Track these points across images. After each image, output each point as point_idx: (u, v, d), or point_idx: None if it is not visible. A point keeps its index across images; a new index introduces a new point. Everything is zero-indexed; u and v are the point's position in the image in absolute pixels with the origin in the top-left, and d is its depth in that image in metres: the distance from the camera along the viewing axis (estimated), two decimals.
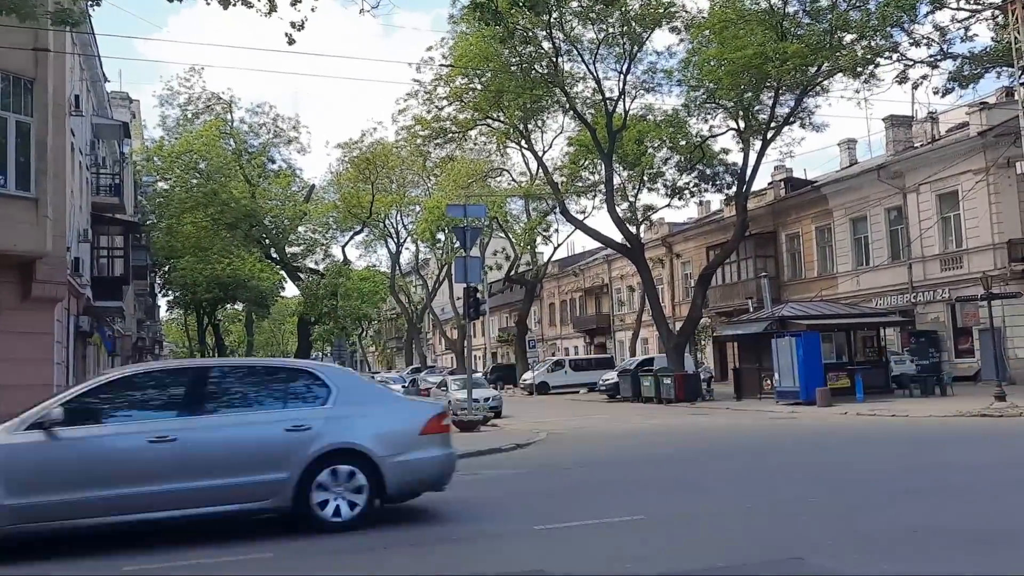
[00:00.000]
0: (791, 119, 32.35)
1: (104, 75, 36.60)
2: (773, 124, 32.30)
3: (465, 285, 21.11)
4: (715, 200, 53.14)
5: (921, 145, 36.09)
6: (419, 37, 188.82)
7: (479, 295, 21.53)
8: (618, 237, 39.89)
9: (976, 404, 21.28)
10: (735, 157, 43.18)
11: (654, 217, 46.79)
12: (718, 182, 41.97)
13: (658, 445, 16.17)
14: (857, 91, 31.58)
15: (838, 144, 46.49)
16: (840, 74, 27.73)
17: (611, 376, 37.48)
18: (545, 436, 17.94)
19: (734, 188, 40.55)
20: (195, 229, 38.62)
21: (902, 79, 24.89)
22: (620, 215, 38.41)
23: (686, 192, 43.53)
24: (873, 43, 24.61)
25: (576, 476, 12.07)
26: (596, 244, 44.43)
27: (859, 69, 25.06)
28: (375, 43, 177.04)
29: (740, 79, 28.02)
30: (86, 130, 33.09)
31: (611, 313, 58.71)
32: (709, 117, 37.39)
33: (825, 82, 30.70)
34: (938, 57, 24.61)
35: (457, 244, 58.78)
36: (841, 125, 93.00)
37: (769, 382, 28.83)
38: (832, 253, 39.44)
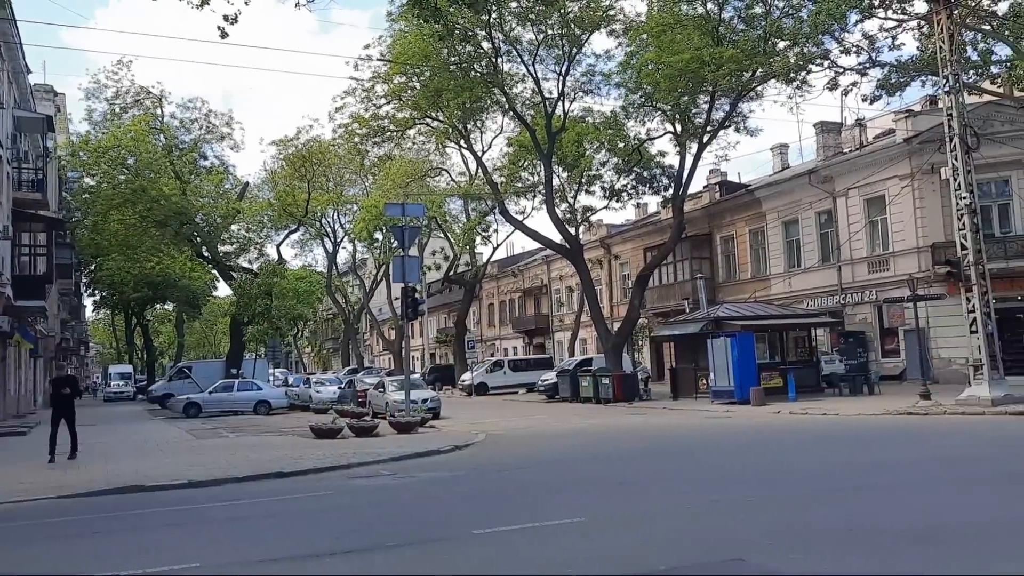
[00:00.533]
0: (726, 123, 32.91)
1: (27, 66, 35.21)
2: (709, 128, 32.79)
3: (403, 285, 20.85)
4: (652, 202, 54.00)
5: (850, 151, 37.13)
6: (357, 34, 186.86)
7: (417, 295, 21.29)
8: (557, 238, 40.02)
9: (902, 403, 21.89)
10: (672, 160, 43.70)
11: (593, 218, 47.06)
12: (655, 184, 42.55)
13: (597, 445, 16.21)
14: (790, 97, 32.27)
15: (771, 149, 47.48)
16: (773, 80, 28.26)
17: (550, 377, 37.53)
18: (484, 437, 17.82)
19: (671, 191, 41.25)
20: (122, 227, 37.32)
21: (832, 86, 25.42)
22: (560, 216, 38.52)
23: (624, 194, 44.05)
24: (805, 50, 25.09)
25: (515, 477, 12.00)
26: (536, 244, 44.46)
27: (792, 75, 25.58)
28: (312, 40, 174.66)
29: (677, 83, 28.36)
30: (7, 123, 31.76)
31: (550, 313, 58.91)
32: (647, 120, 37.83)
33: (759, 88, 31.32)
34: (867, 65, 25.25)
35: (395, 244, 58.95)
36: (774, 130, 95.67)
37: (705, 382, 29.22)
38: (765, 255, 40.24)
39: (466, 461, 14.27)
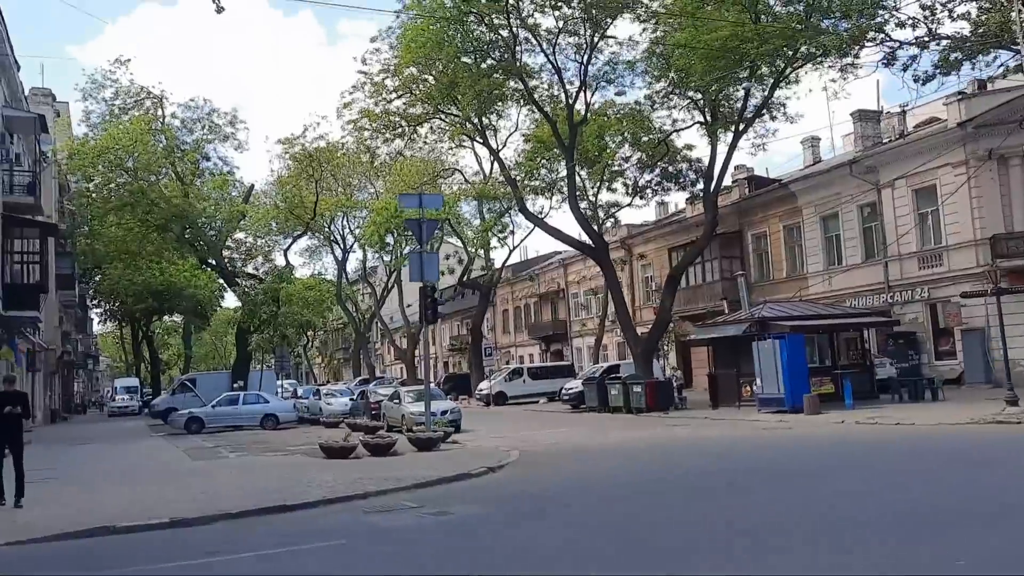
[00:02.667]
0: (764, 109, 30.54)
1: (16, 62, 33.20)
2: (746, 114, 30.44)
3: (421, 284, 18.61)
4: (674, 201, 51.75)
5: (890, 140, 34.74)
6: (363, 46, 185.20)
7: (437, 295, 19.01)
8: (579, 237, 37.75)
9: (981, 410, 19.53)
10: (699, 153, 41.60)
11: (614, 218, 44.61)
12: (682, 180, 40.28)
13: (662, 466, 13.75)
14: (833, 80, 29.76)
15: (801, 142, 45.13)
16: (822, 57, 25.88)
17: (574, 385, 35.18)
18: (517, 456, 15.49)
19: (698, 186, 38.99)
20: (121, 231, 35.22)
21: (889, 61, 23.20)
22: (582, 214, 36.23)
23: (648, 191, 41.78)
24: (859, 23, 22.80)
25: (576, 516, 9.49)
26: (550, 248, 42.33)
27: (845, 49, 23.24)
28: (320, 50, 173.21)
29: (715, 64, 26.01)
30: None
31: (568, 319, 56.60)
32: (674, 110, 35.60)
33: (800, 70, 28.93)
34: (926, 38, 22.91)
35: (407, 250, 56.86)
36: (802, 123, 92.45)
37: (748, 388, 26.85)
38: (802, 252, 37.85)
39: (506, 488, 11.98)
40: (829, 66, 29.18)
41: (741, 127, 30.78)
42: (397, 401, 26.72)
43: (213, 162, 38.04)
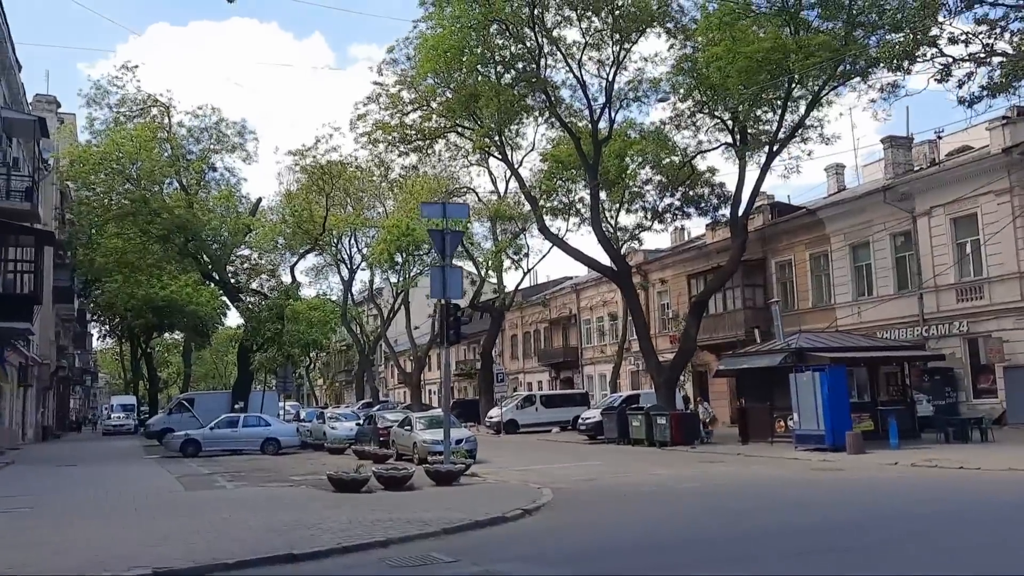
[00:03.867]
0: (800, 128, 29.12)
1: (17, 61, 31.98)
2: (782, 133, 29.03)
3: (442, 301, 17.05)
4: (688, 228, 50.27)
5: (924, 167, 33.29)
6: (374, 71, 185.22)
7: (459, 313, 17.45)
8: (597, 259, 36.30)
9: None
10: (721, 177, 40.31)
11: (628, 243, 43.00)
12: (704, 205, 38.88)
13: (721, 515, 11.91)
14: (873, 100, 28.22)
15: (825, 169, 43.67)
16: (871, 69, 24.46)
17: (592, 415, 33.52)
18: (551, 495, 13.78)
19: (723, 210, 37.60)
20: (121, 242, 33.76)
21: (942, 77, 21.73)
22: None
23: (667, 215, 40.36)
24: (909, 37, 21.39)
25: None
26: (560, 273, 40.80)
27: (897, 63, 21.83)
28: (330, 74, 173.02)
29: (754, 77, 24.60)
30: None
31: (579, 346, 54.92)
32: (700, 131, 34.27)
33: (841, 88, 27.57)
34: (984, 54, 21.47)
35: (415, 271, 55.49)
36: (824, 151, 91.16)
37: (783, 423, 25.21)
38: (829, 282, 36.21)
39: (551, 539, 10.28)
40: (869, 85, 27.87)
41: (775, 148, 29.29)
42: (408, 428, 25.05)
43: (220, 172, 36.75)
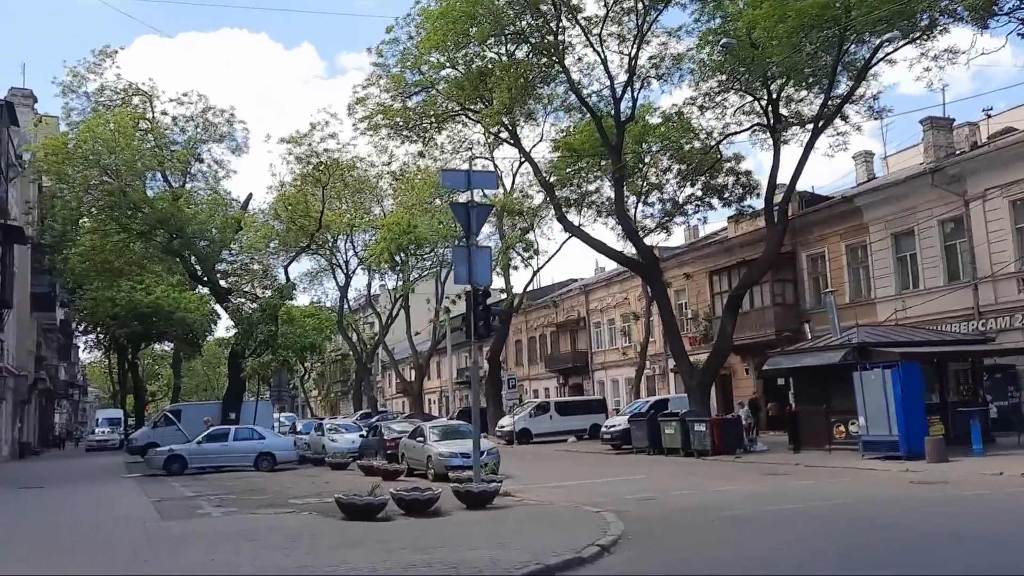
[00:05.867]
0: (850, 98, 26.41)
1: None
2: (830, 103, 26.31)
3: (469, 288, 14.20)
4: (704, 224, 47.57)
5: (970, 148, 30.65)
6: (363, 77, 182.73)
7: (489, 311, 14.54)
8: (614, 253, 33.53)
9: None
10: (746, 165, 37.72)
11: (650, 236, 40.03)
12: (727, 195, 36.10)
13: (862, 548, 9.07)
14: (927, 69, 25.56)
15: (853, 157, 41.09)
16: (949, 20, 21.80)
17: (618, 422, 30.66)
18: (621, 525, 10.75)
19: (748, 200, 35.10)
20: (98, 239, 30.78)
21: None
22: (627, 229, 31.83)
23: (688, 207, 37.61)
24: None
25: None
26: (565, 276, 38.01)
27: (982, 11, 19.19)
28: (319, 83, 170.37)
29: (807, 36, 21.84)
30: None
31: (589, 350, 52.04)
32: (724, 112, 31.59)
33: (897, 53, 24.86)
34: None
35: (415, 276, 52.58)
36: (853, 140, 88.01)
37: (842, 428, 22.40)
38: (868, 275, 33.40)
39: None
40: (922, 53, 25.24)
41: (820, 124, 26.57)
42: (421, 439, 22.13)
43: (207, 164, 33.71)
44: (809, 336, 27.91)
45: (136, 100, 34.13)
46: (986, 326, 28.30)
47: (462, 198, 15.51)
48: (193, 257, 33.79)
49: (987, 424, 23.05)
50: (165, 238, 31.08)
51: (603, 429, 31.76)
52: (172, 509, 15.37)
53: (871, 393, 20.39)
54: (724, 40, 22.62)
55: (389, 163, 37.46)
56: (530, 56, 27.45)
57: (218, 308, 46.34)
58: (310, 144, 35.82)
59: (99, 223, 31.02)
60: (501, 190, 42.65)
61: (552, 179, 34.79)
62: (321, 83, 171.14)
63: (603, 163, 33.62)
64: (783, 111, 30.07)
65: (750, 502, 13.11)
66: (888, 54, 24.80)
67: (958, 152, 31.79)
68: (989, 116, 32.05)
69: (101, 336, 61.44)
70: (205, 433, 28.03)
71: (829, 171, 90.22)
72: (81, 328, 62.49)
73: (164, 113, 33.92)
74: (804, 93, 29.79)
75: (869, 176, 39.92)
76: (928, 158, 33.26)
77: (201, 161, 33.68)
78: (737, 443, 24.75)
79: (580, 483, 18.19)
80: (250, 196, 36.79)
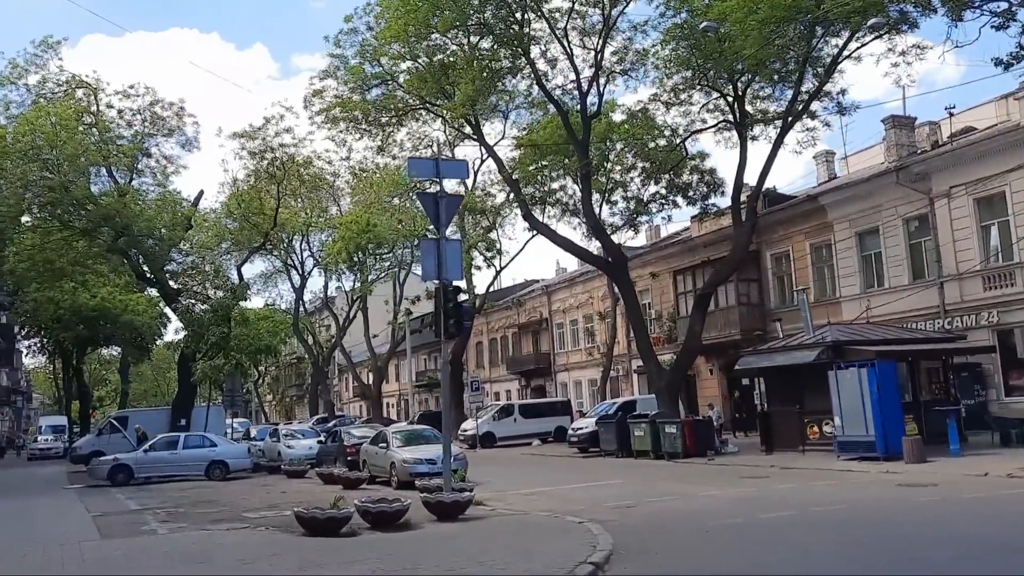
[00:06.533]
0: (819, 93, 26.07)
1: None
2: (800, 99, 25.94)
3: (439, 283, 13.29)
4: (666, 224, 47.24)
5: (931, 147, 30.59)
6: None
7: (461, 308, 13.62)
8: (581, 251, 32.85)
9: None
10: (710, 163, 37.34)
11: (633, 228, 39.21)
12: (692, 193, 35.66)
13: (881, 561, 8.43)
14: (895, 65, 25.32)
15: (814, 156, 40.99)
16: (923, 12, 21.46)
17: (585, 424, 29.94)
18: (607, 537, 9.87)
19: (713, 198, 34.71)
20: (38, 237, 29.16)
21: (1003, 24, 18.83)
22: (589, 228, 31.21)
23: (652, 205, 37.06)
24: None
25: None
26: (526, 276, 37.26)
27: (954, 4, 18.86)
28: (273, 84, 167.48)
29: (780, 29, 21.37)
30: None
31: (551, 352, 51.36)
32: (693, 107, 31.13)
33: (864, 48, 24.59)
34: None
35: (373, 277, 51.39)
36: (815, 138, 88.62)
37: (816, 429, 21.95)
38: (833, 274, 33.22)
39: None
40: (890, 49, 24.99)
41: (790, 119, 26.19)
42: (383, 445, 21.10)
43: (155, 159, 32.23)
44: (781, 335, 27.46)
45: (80, 93, 32.58)
46: (952, 324, 28.18)
47: (430, 189, 14.58)
48: (140, 256, 32.29)
49: (961, 423, 22.85)
50: (110, 236, 29.59)
51: (570, 432, 31.05)
52: (114, 525, 14.13)
53: (846, 392, 19.93)
54: (705, 23, 21.96)
55: (348, 157, 36.30)
56: (495, 47, 26.60)
57: (168, 311, 44.70)
58: (264, 139, 34.57)
59: (40, 220, 29.42)
60: (462, 188, 41.82)
61: (515, 176, 33.98)
62: (274, 84, 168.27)
63: (567, 161, 32.96)
64: (749, 108, 29.75)
65: (740, 508, 12.39)
66: (857, 48, 24.49)
67: (919, 151, 31.76)
68: (951, 115, 32.03)
69: (45, 340, 59.05)
70: (153, 441, 26.64)
71: (789, 171, 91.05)
72: (23, 332, 60.03)
73: (109, 106, 32.46)
74: (771, 90, 29.46)
75: (830, 175, 39.84)
76: (890, 157, 33.18)
77: (149, 156, 32.25)
78: (709, 445, 24.19)
79: (553, 489, 17.40)
80: (201, 193, 35.37)
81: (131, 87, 32.25)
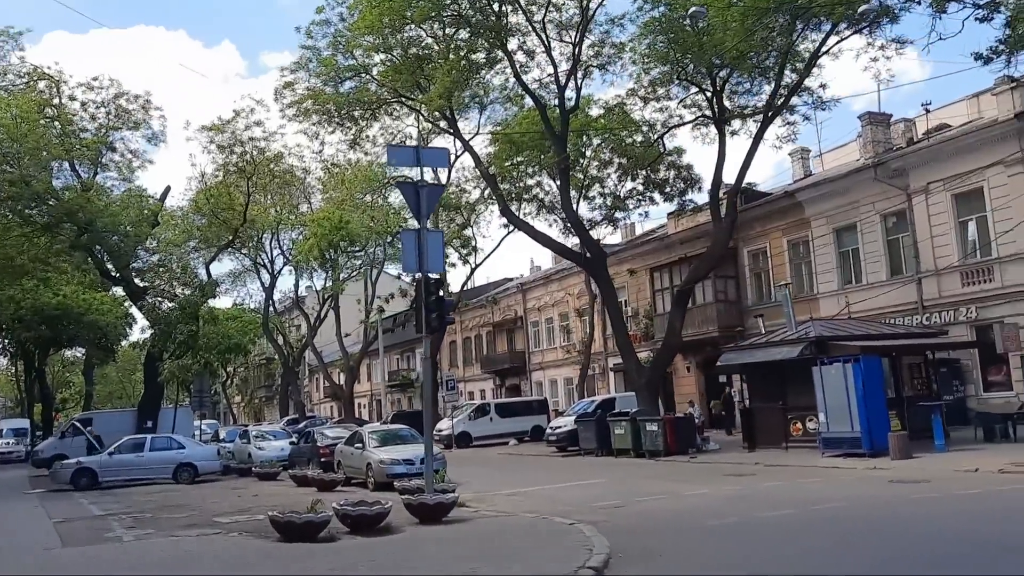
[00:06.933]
0: (800, 87, 25.86)
1: None
2: (781, 92, 25.71)
3: (420, 276, 12.74)
4: (641, 221, 46.98)
5: (906, 144, 30.59)
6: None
7: (443, 302, 13.05)
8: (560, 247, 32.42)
9: None
10: (687, 159, 37.19)
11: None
12: (668, 189, 35.40)
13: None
14: (874, 59, 25.15)
15: (790, 154, 40.94)
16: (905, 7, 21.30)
17: (563, 423, 29.49)
18: (603, 540, 9.39)
19: (690, 195, 34.52)
20: None
21: (986, 16, 18.70)
22: (570, 222, 30.78)
23: (629, 201, 36.75)
24: None
25: None
26: (501, 275, 36.77)
27: None
28: (240, 82, 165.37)
29: (761, 21, 21.07)
30: None
31: (527, 350, 50.91)
32: (671, 102, 30.87)
33: (840, 44, 24.44)
34: None
35: (345, 276, 50.48)
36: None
37: (799, 426, 21.69)
38: (811, 270, 33.15)
39: None
40: (869, 43, 24.85)
41: (770, 113, 25.95)
42: (359, 446, 20.48)
43: (120, 153, 31.24)
44: (763, 331, 27.20)
45: (41, 85, 31.56)
46: (930, 320, 28.15)
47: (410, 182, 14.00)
48: (105, 253, 31.31)
49: (945, 419, 22.73)
50: (73, 233, 28.63)
51: (548, 431, 30.60)
52: (76, 532, 13.38)
53: (831, 388, 19.69)
54: (693, 8, 21.58)
55: (320, 151, 35.58)
56: (472, 37, 26.06)
57: (134, 310, 43.62)
58: (234, 132, 33.68)
59: None
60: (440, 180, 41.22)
61: (491, 171, 33.48)
62: (243, 82, 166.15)
63: (543, 157, 32.53)
64: (727, 103, 29.51)
65: (734, 507, 11.99)
66: (837, 43, 24.32)
67: (895, 147, 31.76)
68: (928, 111, 32.10)
69: (6, 341, 57.42)
70: (119, 443, 25.75)
71: (762, 170, 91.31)
72: None
73: (72, 98, 31.44)
74: (749, 84, 29.24)
75: (805, 172, 39.82)
76: (866, 153, 33.19)
77: (114, 150, 31.28)
78: (690, 443, 23.87)
79: (535, 490, 16.92)
80: (168, 189, 34.66)
81: (95, 79, 31.31)
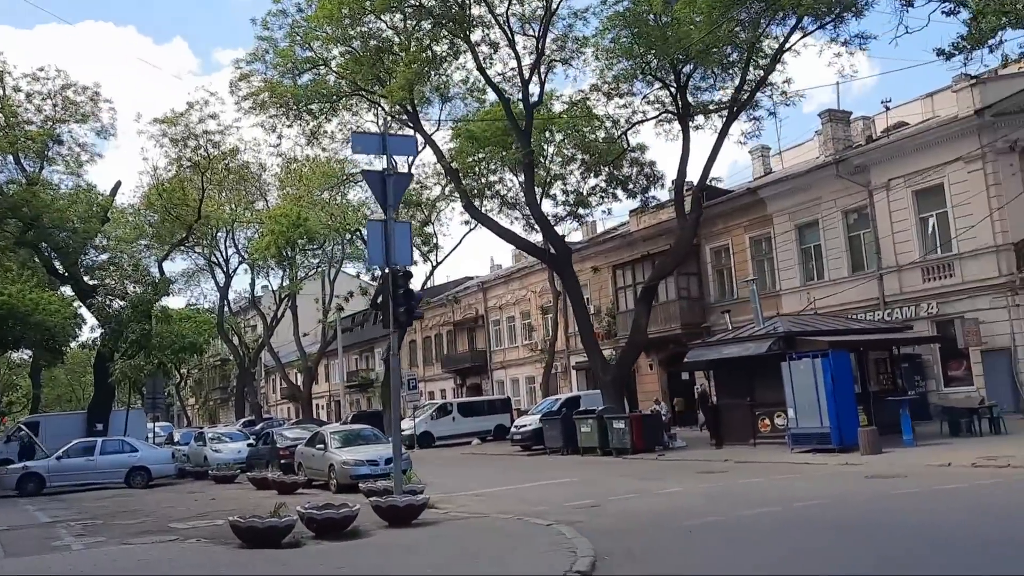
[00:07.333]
0: (763, 85, 25.80)
1: None
2: (746, 88, 25.63)
3: (388, 269, 12.23)
4: (602, 219, 47.02)
5: (866, 141, 30.83)
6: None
7: (412, 295, 12.57)
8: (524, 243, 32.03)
9: None
10: (650, 156, 37.01)
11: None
12: (631, 186, 35.19)
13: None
14: (838, 55, 25.23)
15: (750, 152, 41.11)
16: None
17: (528, 422, 29.09)
18: (585, 540, 9.03)
19: (653, 191, 34.33)
20: None
21: (953, 10, 18.74)
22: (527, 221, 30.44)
23: (592, 198, 36.48)
24: None
25: None
26: (461, 273, 36.28)
27: None
28: (194, 79, 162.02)
29: (727, 14, 20.89)
30: None
31: (488, 349, 50.49)
32: (635, 98, 30.65)
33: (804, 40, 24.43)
34: None
35: (302, 275, 49.52)
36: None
37: (767, 422, 21.58)
38: (773, 267, 33.23)
39: None
40: (832, 39, 24.93)
41: (735, 108, 25.85)
42: (321, 447, 19.84)
43: (68, 146, 30.11)
44: (730, 327, 27.13)
45: None
46: (892, 316, 28.33)
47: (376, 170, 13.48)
48: (52, 251, 30.14)
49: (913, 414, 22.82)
50: (18, 228, 27.48)
51: (513, 429, 30.19)
52: (21, 541, 12.58)
53: (800, 384, 19.59)
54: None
55: (278, 145, 34.71)
56: (435, 28, 25.53)
57: (83, 310, 42.21)
58: (187, 124, 32.65)
59: None
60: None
61: (459, 164, 32.99)
62: (196, 79, 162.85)
63: (505, 153, 32.13)
64: (691, 99, 29.40)
65: (713, 506, 11.69)
66: (802, 37, 24.29)
67: (855, 145, 31.98)
68: (888, 108, 32.39)
69: None
70: (67, 447, 24.73)
71: (720, 168, 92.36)
72: None
73: (17, 89, 30.19)
74: (714, 80, 29.14)
75: (766, 170, 40.01)
76: (826, 150, 33.42)
77: (61, 143, 30.12)
78: (657, 440, 23.65)
79: (505, 489, 16.52)
80: (118, 184, 33.24)
81: (40, 70, 30.12)
